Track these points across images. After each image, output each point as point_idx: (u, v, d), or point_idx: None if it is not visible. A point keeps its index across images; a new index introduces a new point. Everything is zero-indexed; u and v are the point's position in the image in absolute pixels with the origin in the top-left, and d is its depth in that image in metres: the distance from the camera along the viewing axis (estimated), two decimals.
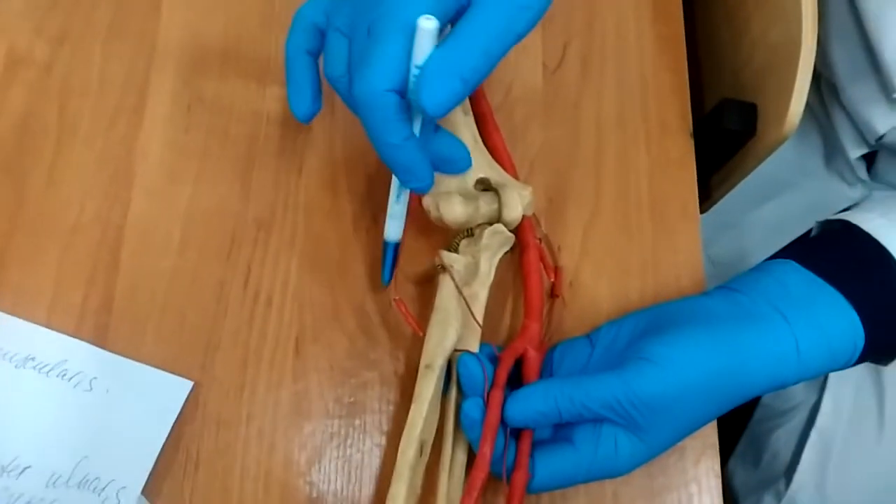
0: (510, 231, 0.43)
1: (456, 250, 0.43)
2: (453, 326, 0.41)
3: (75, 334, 0.42)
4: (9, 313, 0.43)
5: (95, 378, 0.41)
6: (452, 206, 0.42)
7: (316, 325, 0.44)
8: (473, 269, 0.42)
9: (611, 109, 0.51)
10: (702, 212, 0.50)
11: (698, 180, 0.50)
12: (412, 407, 0.40)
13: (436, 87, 0.33)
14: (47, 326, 0.43)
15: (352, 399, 0.43)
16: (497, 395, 0.39)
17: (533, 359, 0.42)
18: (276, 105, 0.48)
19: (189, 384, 0.42)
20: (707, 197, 0.58)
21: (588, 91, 0.51)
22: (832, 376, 0.60)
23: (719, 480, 0.44)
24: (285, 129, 0.48)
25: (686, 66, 0.52)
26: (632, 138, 0.50)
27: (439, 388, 0.41)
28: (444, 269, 0.42)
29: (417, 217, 0.43)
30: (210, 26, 0.49)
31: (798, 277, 0.43)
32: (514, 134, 0.49)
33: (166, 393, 0.41)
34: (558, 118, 0.50)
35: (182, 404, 0.41)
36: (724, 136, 0.52)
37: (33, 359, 0.42)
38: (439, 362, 0.40)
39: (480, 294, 0.42)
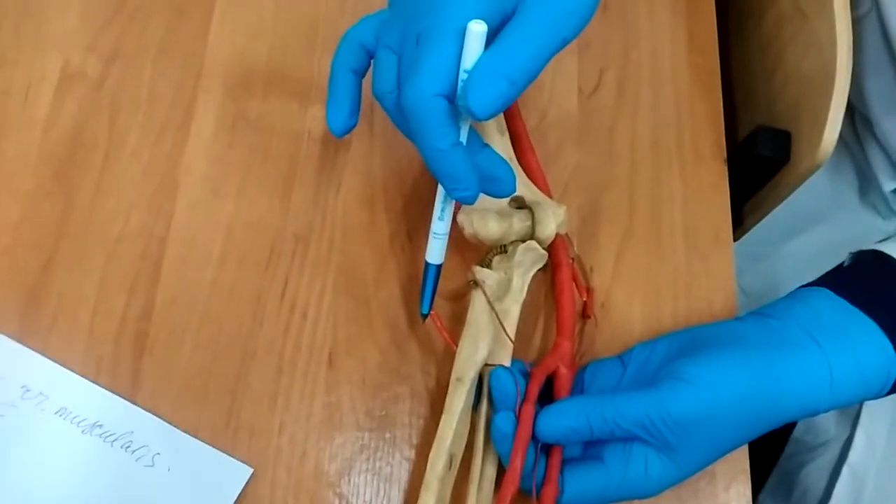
0: (543, 249, 0.44)
1: (489, 266, 0.44)
2: (484, 341, 0.41)
3: (116, 340, 0.44)
4: (52, 320, 0.44)
5: (159, 454, 0.41)
6: (487, 223, 0.43)
7: (349, 338, 0.45)
8: (506, 286, 0.43)
9: (645, 135, 0.51)
10: (734, 240, 0.50)
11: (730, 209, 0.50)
12: (442, 419, 0.40)
13: (483, 88, 0.33)
14: (89, 331, 0.44)
15: (383, 412, 0.44)
16: (529, 409, 0.39)
17: (564, 376, 0.42)
18: (316, 124, 0.49)
19: (249, 471, 0.41)
20: (739, 224, 0.58)
21: (623, 116, 0.52)
22: (865, 412, 0.59)
23: None
24: (325, 147, 0.49)
25: (720, 95, 0.53)
26: (665, 163, 0.51)
27: (470, 402, 0.41)
28: (476, 284, 0.43)
29: (451, 233, 0.44)
30: (256, 48, 0.51)
31: (832, 305, 0.43)
32: (549, 156, 0.50)
33: (225, 477, 0.41)
34: (593, 142, 0.51)
35: (240, 491, 0.41)
36: (758, 164, 0.52)
37: (101, 426, 0.41)
38: (470, 376, 0.41)
39: (512, 310, 0.42)
